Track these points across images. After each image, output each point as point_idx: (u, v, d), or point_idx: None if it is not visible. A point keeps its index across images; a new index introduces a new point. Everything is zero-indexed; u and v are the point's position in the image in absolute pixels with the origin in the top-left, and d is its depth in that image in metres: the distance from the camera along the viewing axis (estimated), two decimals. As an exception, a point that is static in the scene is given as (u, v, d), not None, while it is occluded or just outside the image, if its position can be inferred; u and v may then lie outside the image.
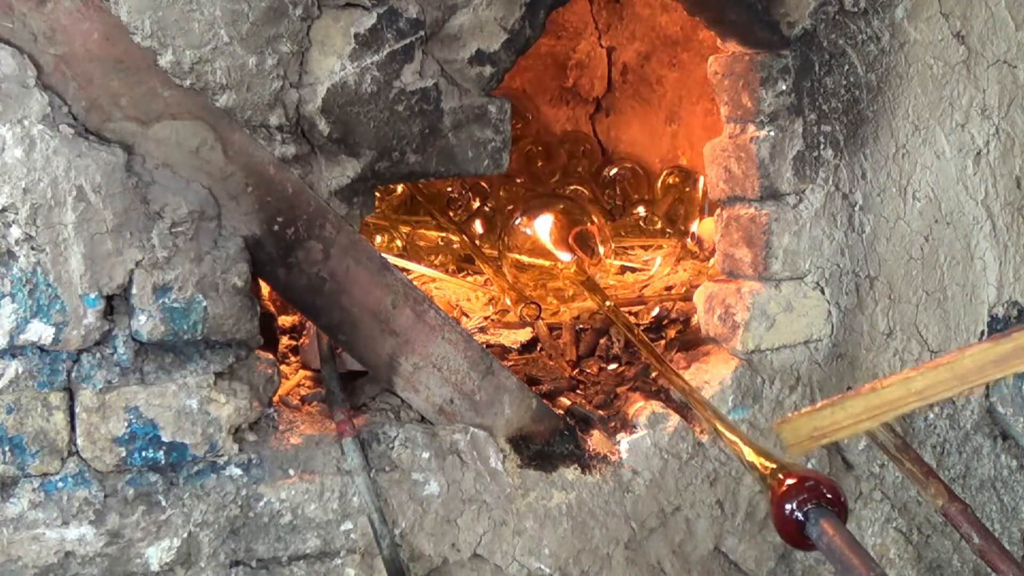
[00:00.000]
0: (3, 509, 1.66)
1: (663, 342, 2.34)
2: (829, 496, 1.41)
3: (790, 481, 1.43)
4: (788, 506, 1.41)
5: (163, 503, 1.72)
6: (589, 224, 2.72)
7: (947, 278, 2.24)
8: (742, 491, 2.09)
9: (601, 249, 2.73)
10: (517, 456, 1.93)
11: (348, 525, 1.82)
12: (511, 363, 2.26)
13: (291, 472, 1.80)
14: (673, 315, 2.45)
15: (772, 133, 2.07)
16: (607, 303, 2.41)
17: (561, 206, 2.77)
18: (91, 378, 1.66)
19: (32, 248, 1.60)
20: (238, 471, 1.77)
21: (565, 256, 2.68)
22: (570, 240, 2.68)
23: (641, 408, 2.06)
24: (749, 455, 1.60)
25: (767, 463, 1.54)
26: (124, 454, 1.69)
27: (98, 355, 1.67)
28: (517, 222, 2.71)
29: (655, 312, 2.49)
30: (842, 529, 1.36)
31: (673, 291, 2.66)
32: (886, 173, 2.16)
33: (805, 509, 1.40)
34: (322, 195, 1.78)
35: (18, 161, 1.57)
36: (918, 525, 2.27)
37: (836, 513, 1.39)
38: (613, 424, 2.07)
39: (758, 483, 1.55)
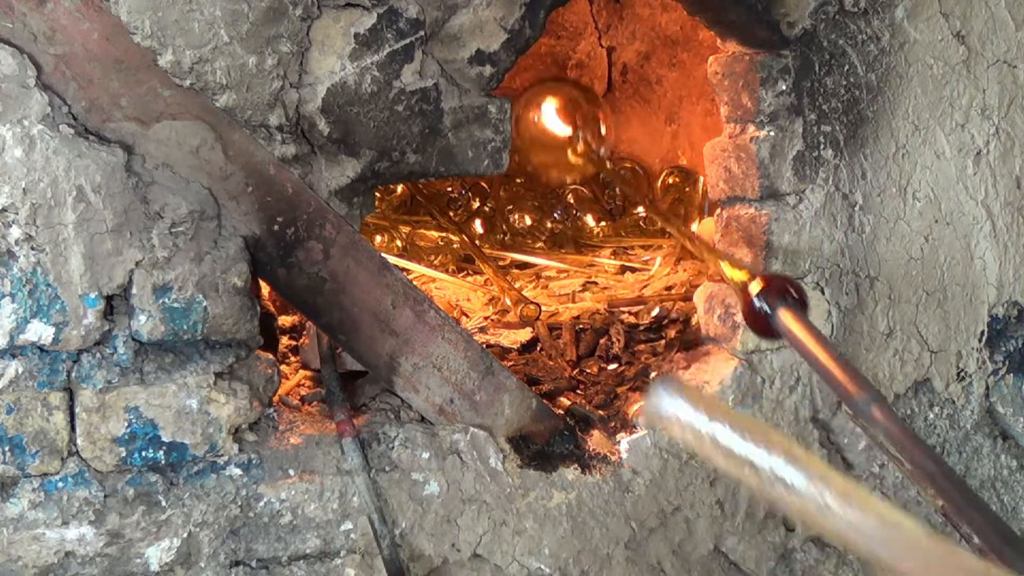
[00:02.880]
0: (3, 509, 1.66)
1: (663, 342, 2.34)
2: (792, 293, 1.63)
3: (759, 283, 1.65)
4: (757, 302, 1.64)
5: (163, 503, 1.72)
6: (596, 108, 2.82)
7: (947, 278, 2.24)
8: (742, 491, 2.09)
9: (603, 128, 2.84)
10: (517, 456, 1.93)
11: (348, 525, 1.82)
12: (511, 363, 2.26)
13: (291, 472, 1.80)
14: (673, 315, 2.45)
15: (772, 133, 2.07)
16: (608, 166, 2.51)
17: (567, 89, 2.84)
18: (91, 378, 1.66)
19: (32, 248, 1.60)
20: (238, 471, 1.77)
21: (567, 130, 2.76)
22: (577, 120, 2.79)
23: (641, 408, 2.06)
24: (728, 271, 1.78)
25: (743, 275, 1.73)
26: (124, 454, 1.69)
27: (98, 355, 1.67)
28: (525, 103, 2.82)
29: (655, 312, 2.49)
30: (800, 316, 1.58)
31: (673, 291, 2.66)
32: (886, 173, 2.16)
33: (771, 303, 1.62)
34: (322, 195, 1.78)
35: (18, 161, 1.57)
36: (918, 525, 2.27)
37: (798, 305, 1.61)
38: (613, 424, 2.07)
39: (736, 291, 1.74)
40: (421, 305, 1.84)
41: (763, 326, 1.65)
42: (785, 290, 1.63)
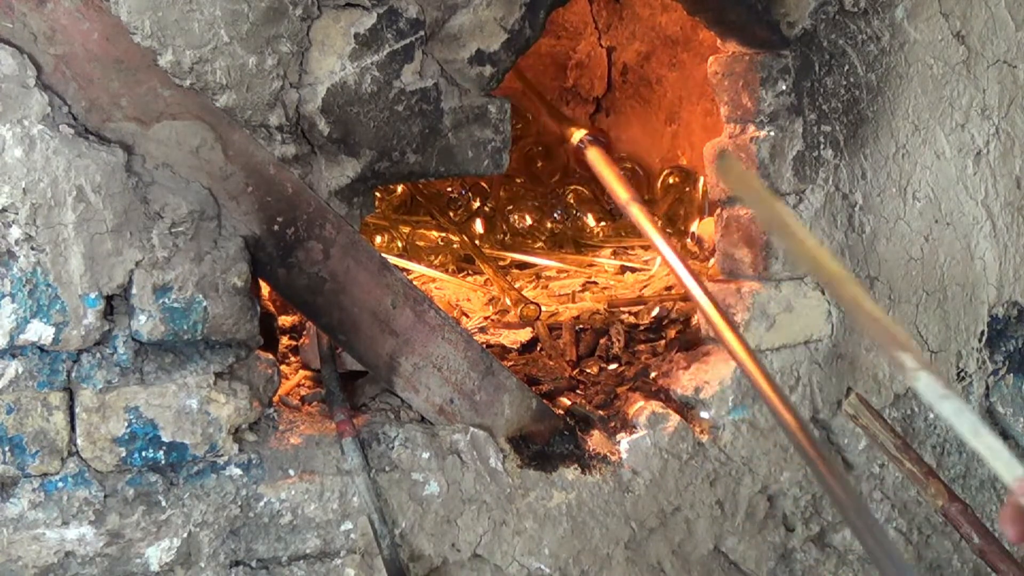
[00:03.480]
0: (3, 509, 1.66)
1: (663, 342, 2.34)
2: (601, 138, 2.24)
3: (582, 131, 2.26)
4: (580, 144, 2.23)
5: (163, 503, 1.72)
6: None
7: (947, 278, 2.24)
8: (742, 491, 2.09)
9: None
10: (517, 456, 1.93)
11: (348, 525, 1.82)
12: (511, 363, 2.25)
13: (291, 472, 1.80)
14: (673, 315, 2.45)
15: (772, 133, 2.07)
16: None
17: None
18: (91, 378, 1.66)
19: (32, 248, 1.60)
20: (238, 471, 1.77)
21: None
22: None
23: (641, 408, 2.06)
24: (572, 133, 2.29)
25: (575, 129, 2.30)
26: (124, 454, 1.69)
27: (98, 355, 1.67)
28: None
29: (655, 312, 2.49)
30: (603, 152, 2.18)
31: (673, 291, 2.66)
32: (886, 173, 2.16)
33: (585, 143, 2.22)
34: (322, 195, 1.78)
35: (18, 161, 1.57)
36: (918, 525, 2.27)
37: (604, 146, 2.22)
38: (613, 424, 2.07)
39: (570, 145, 2.32)
40: (421, 305, 1.84)
41: (581, 159, 2.24)
42: (597, 138, 2.24)
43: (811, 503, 2.18)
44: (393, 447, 1.85)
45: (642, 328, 2.43)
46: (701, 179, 3.08)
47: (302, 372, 2.07)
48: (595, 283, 2.85)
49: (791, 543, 2.17)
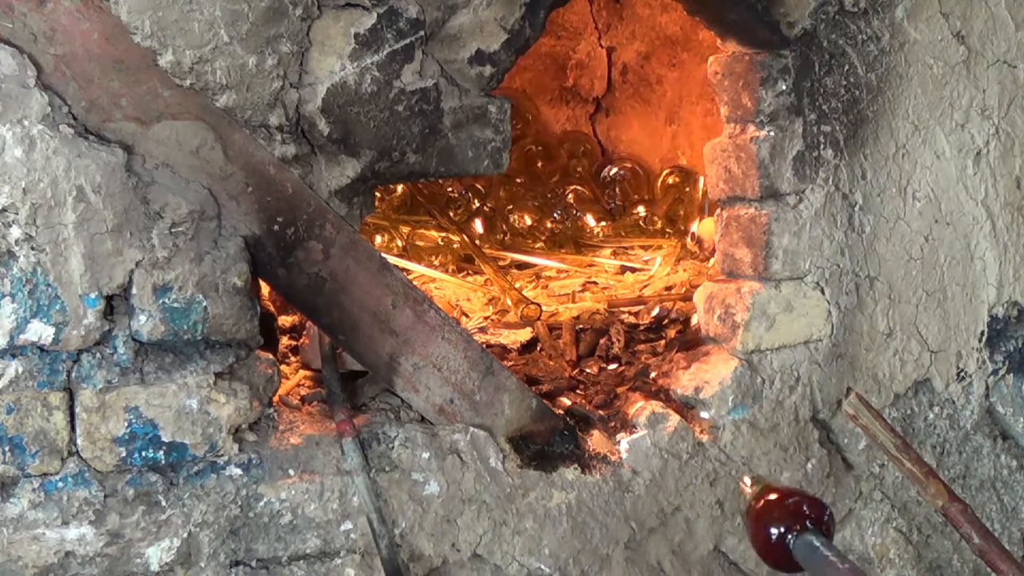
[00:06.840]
0: (3, 509, 1.66)
1: (663, 342, 2.34)
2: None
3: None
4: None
5: (163, 503, 1.72)
6: None
7: (947, 278, 2.24)
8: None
9: None
10: (517, 456, 1.93)
11: (348, 525, 1.82)
12: (511, 363, 2.26)
13: (291, 472, 1.80)
14: (673, 315, 2.45)
15: (772, 133, 2.07)
16: None
17: None
18: (91, 378, 1.66)
19: (32, 248, 1.60)
20: (238, 471, 1.77)
21: None
22: None
23: (641, 408, 2.06)
24: None
25: None
26: (124, 454, 1.69)
27: (98, 355, 1.67)
28: None
29: (655, 312, 2.49)
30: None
31: (673, 291, 2.66)
32: (886, 173, 2.16)
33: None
34: (322, 195, 1.78)
35: (18, 161, 1.57)
36: (918, 525, 2.27)
37: None
38: (613, 424, 2.07)
39: None
40: (421, 305, 1.84)
41: None
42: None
43: (811, 503, 2.17)
44: (393, 447, 1.85)
45: (642, 328, 2.43)
46: (701, 179, 3.08)
47: (302, 372, 2.07)
48: (595, 283, 2.85)
49: (791, 543, 2.17)
